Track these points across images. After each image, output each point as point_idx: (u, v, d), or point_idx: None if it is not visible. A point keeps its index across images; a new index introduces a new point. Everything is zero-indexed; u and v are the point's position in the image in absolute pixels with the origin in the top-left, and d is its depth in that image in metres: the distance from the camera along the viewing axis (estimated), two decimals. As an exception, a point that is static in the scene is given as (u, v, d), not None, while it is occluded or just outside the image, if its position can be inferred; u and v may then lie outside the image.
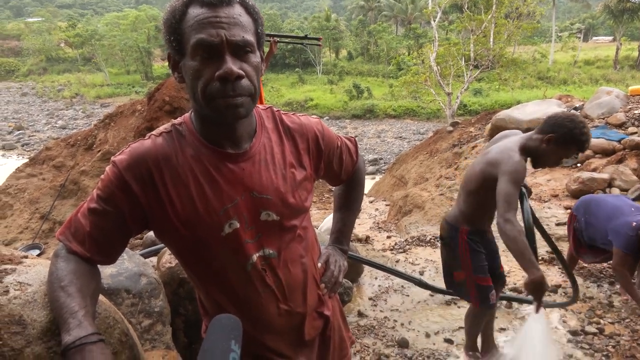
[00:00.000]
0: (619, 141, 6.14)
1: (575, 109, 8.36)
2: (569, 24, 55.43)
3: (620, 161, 5.94)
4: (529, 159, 2.11)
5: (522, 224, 2.02)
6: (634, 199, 5.11)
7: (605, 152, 6.25)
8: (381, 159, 21.58)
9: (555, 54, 42.41)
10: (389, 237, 6.14)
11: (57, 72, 52.59)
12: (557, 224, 4.78)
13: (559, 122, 2.01)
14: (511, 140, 2.12)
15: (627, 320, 3.06)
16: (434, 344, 2.94)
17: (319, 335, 1.20)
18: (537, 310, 1.83)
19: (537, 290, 1.80)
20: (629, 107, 7.37)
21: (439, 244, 4.93)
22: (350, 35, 53.15)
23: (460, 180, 7.22)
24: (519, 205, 2.03)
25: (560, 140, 2.01)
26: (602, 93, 8.12)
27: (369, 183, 14.22)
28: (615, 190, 5.46)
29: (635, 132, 6.31)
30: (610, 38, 50.17)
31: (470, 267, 2.27)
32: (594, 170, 5.99)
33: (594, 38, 57.79)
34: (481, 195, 2.15)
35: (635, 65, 36.77)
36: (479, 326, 2.49)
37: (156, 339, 1.78)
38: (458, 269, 2.34)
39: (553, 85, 33.44)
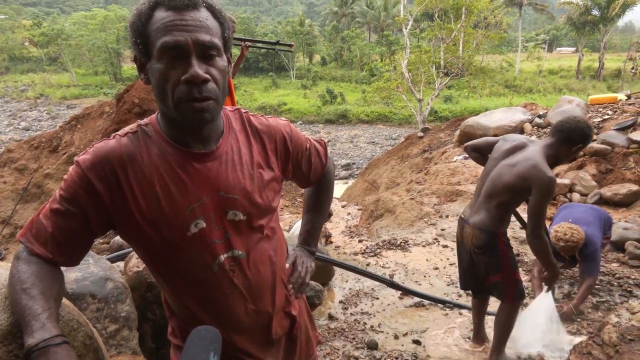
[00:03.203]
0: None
1: (539, 116, 8.67)
2: (534, 35, 57.50)
3: (580, 167, 6.21)
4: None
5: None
6: (593, 203, 5.35)
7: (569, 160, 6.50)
8: (354, 163, 21.77)
9: (522, 64, 43.89)
10: (360, 241, 6.20)
11: (21, 72, 50.64)
12: (521, 228, 4.94)
13: (584, 132, 2.29)
14: (536, 153, 2.30)
15: (584, 319, 3.20)
16: (403, 345, 3.00)
17: (286, 335, 1.21)
18: (547, 291, 2.67)
19: (552, 281, 2.53)
20: (589, 115, 7.70)
21: (409, 248, 5.05)
22: (323, 40, 53.52)
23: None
24: None
25: (585, 146, 2.35)
26: (564, 102, 8.46)
27: (341, 187, 14.30)
28: (576, 195, 5.70)
29: (595, 140, 6.60)
30: (573, 49, 52.31)
31: (511, 265, 2.44)
32: (556, 175, 6.23)
33: (558, 49, 60.05)
34: (510, 202, 2.37)
35: (595, 76, 38.42)
36: (513, 326, 2.58)
37: (122, 344, 1.75)
38: (496, 271, 2.46)
39: (519, 93, 34.59)
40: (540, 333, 2.70)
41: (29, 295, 0.85)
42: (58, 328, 0.83)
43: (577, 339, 2.89)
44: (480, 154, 2.70)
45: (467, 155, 9.08)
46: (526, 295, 2.59)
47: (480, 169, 7.65)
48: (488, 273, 2.50)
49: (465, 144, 2.85)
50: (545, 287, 2.64)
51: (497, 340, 2.59)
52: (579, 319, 3.22)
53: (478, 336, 2.91)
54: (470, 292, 2.86)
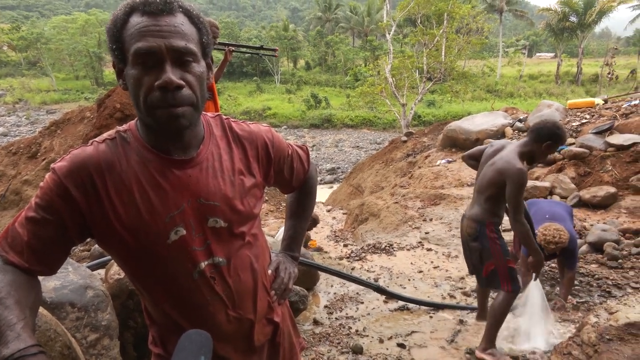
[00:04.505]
0: (559, 151, 6.55)
1: (520, 120, 8.83)
2: (514, 41, 58.58)
3: (560, 170, 6.33)
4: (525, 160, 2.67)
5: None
6: (572, 205, 5.46)
7: (546, 162, 6.64)
8: (339, 168, 21.80)
9: (503, 69, 44.62)
10: (345, 245, 6.22)
11: (-2, 76, 49.68)
12: (504, 230, 5.01)
13: (552, 131, 2.56)
14: (510, 151, 2.63)
15: (564, 320, 3.26)
16: (387, 349, 3.00)
17: (269, 342, 1.20)
18: (535, 279, 2.85)
19: (538, 266, 2.75)
20: (568, 119, 7.87)
21: (394, 252, 5.08)
22: (308, 45, 53.69)
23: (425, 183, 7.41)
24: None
25: (555, 144, 2.60)
26: (543, 106, 8.64)
27: (326, 192, 14.31)
28: (556, 198, 5.81)
29: (574, 143, 6.76)
30: (552, 54, 53.45)
31: (501, 252, 2.71)
32: (537, 178, 6.35)
33: (538, 54, 61.29)
34: (496, 196, 2.67)
35: (574, 81, 39.29)
36: (506, 315, 2.76)
37: (103, 353, 1.72)
38: (489, 258, 2.75)
39: (501, 97, 35.15)
40: (537, 327, 2.92)
41: (4, 305, 0.83)
42: (34, 338, 0.82)
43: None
44: (476, 161, 2.99)
45: (450, 159, 9.19)
46: (520, 287, 2.77)
47: (462, 172, 7.72)
48: (483, 261, 2.79)
49: (462, 155, 3.23)
50: (533, 276, 2.83)
51: (489, 327, 2.77)
52: (559, 320, 3.29)
53: (482, 313, 3.20)
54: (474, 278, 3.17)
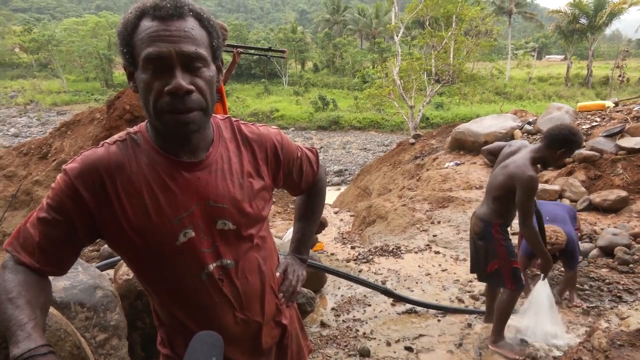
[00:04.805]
0: (569, 154, 6.46)
1: (529, 123, 8.76)
2: (523, 43, 58.25)
3: (569, 173, 6.27)
4: (539, 165, 2.70)
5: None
6: (581, 210, 5.40)
7: (556, 165, 6.57)
8: (346, 170, 21.79)
9: (512, 71, 44.32)
10: (353, 247, 6.20)
11: (10, 78, 50.20)
12: (513, 234, 4.97)
13: (567, 137, 2.54)
14: (523, 155, 2.64)
15: (574, 325, 3.22)
16: (395, 352, 2.99)
17: (276, 344, 1.20)
18: (543, 279, 2.87)
19: (546, 268, 2.82)
20: (578, 122, 7.79)
21: (402, 254, 5.06)
22: (316, 47, 53.79)
23: (423, 188, 7.39)
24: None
25: (570, 151, 2.59)
26: (553, 109, 8.56)
27: (334, 194, 14.30)
28: (566, 201, 5.75)
29: (584, 146, 6.68)
30: (562, 57, 52.99)
31: (506, 253, 2.74)
32: (546, 182, 6.29)
33: (547, 56, 60.81)
34: (505, 198, 2.68)
35: (584, 83, 38.92)
36: (511, 310, 2.86)
37: (111, 353, 1.73)
38: (493, 258, 2.79)
39: (510, 100, 34.90)
40: (542, 323, 2.95)
41: (15, 305, 0.84)
42: (44, 338, 0.82)
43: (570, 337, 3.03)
44: (494, 156, 3.02)
45: (458, 162, 9.14)
46: (523, 285, 2.84)
47: (470, 175, 7.70)
48: (488, 260, 2.83)
49: (482, 148, 3.29)
50: (542, 276, 2.86)
51: (497, 322, 2.90)
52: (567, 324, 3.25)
53: (489, 316, 3.21)
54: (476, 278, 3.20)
